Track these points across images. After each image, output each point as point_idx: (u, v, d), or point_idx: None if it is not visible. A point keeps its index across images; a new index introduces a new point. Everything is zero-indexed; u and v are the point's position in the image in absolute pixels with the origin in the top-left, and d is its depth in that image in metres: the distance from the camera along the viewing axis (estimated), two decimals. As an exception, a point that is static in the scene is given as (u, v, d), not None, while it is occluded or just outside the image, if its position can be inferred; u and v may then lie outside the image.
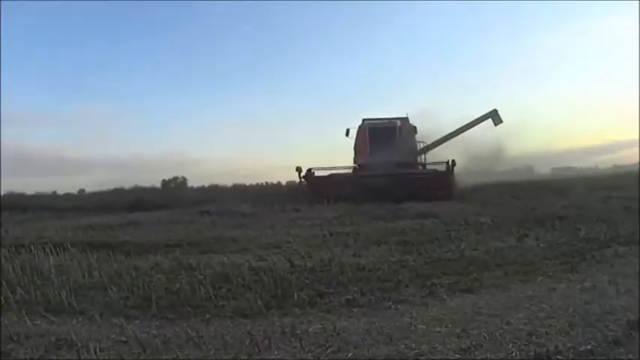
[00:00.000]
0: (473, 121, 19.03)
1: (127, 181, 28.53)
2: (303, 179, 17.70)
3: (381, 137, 18.32)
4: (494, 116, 18.79)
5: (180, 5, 56.52)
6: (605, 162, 44.63)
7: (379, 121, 19.32)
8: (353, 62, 63.27)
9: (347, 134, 19.60)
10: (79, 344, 2.96)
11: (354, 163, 19.29)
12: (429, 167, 18.98)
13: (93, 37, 53.72)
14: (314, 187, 17.31)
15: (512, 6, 61.98)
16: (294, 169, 17.65)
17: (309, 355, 2.76)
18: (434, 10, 60.84)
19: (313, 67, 63.53)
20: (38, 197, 23.79)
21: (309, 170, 17.70)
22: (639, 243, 5.59)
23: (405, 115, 19.33)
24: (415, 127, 19.43)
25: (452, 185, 16.75)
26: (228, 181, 31.98)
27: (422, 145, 19.65)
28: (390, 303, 3.77)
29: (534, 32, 64.33)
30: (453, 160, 16.54)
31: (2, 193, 22.61)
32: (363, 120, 19.54)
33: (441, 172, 17.06)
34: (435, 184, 16.39)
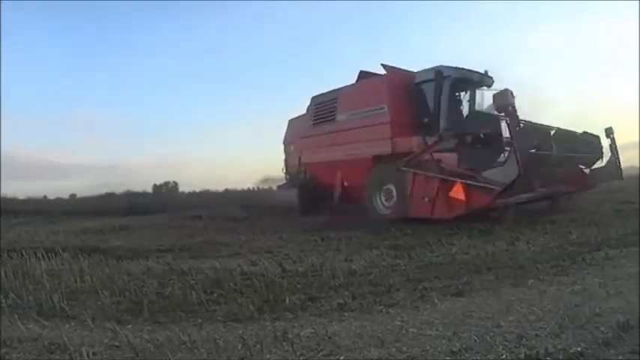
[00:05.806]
0: None
1: (118, 186, 28.41)
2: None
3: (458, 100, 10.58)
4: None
5: (173, 5, 56.26)
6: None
7: (466, 71, 10.45)
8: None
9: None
10: (72, 348, 2.95)
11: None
12: None
13: (83, 42, 53.29)
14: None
15: (508, 4, 62.10)
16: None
17: (301, 358, 2.77)
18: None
19: (313, 65, 63.15)
20: (29, 202, 23.58)
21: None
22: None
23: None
24: None
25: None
26: (219, 187, 31.79)
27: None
28: (382, 307, 3.77)
29: (532, 31, 64.54)
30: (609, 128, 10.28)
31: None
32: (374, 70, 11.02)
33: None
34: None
